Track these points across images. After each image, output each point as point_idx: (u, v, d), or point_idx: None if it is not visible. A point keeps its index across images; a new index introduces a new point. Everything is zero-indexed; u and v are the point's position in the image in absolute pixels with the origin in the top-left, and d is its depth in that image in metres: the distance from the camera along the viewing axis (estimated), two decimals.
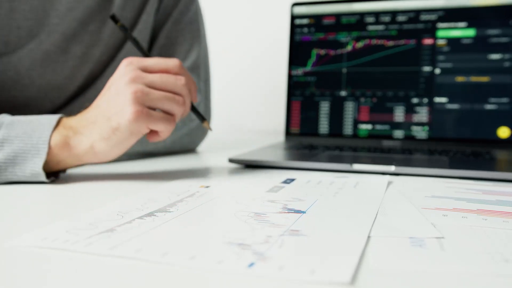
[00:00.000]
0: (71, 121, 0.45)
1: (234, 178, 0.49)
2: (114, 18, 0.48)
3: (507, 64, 0.74)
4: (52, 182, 0.45)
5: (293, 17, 0.86)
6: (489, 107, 0.75)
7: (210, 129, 0.51)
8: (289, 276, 0.22)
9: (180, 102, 0.45)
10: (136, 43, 0.49)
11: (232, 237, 0.27)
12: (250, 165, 0.58)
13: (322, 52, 0.84)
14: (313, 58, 0.84)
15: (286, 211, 0.34)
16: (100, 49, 0.62)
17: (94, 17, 0.61)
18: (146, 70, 0.45)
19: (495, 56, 0.75)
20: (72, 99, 0.64)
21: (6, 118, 0.45)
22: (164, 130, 0.45)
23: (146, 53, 0.50)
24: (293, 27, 0.86)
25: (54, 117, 0.45)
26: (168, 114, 0.45)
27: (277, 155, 0.63)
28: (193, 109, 0.50)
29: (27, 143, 0.43)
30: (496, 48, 0.75)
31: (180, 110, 0.45)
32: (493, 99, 0.74)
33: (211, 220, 0.32)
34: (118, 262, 0.24)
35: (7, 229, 0.30)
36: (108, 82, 0.46)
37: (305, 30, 0.85)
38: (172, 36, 0.70)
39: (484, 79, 0.75)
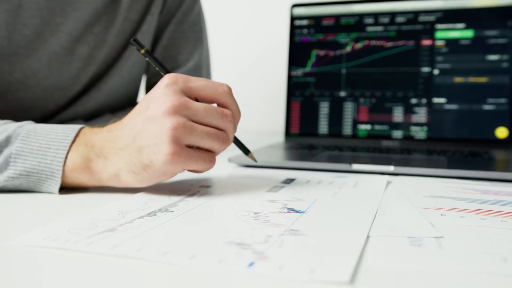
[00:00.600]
0: (94, 138, 0.40)
1: (234, 178, 0.49)
2: (137, 42, 0.43)
3: (505, 64, 0.75)
4: (67, 192, 0.41)
5: (293, 18, 0.87)
6: (487, 107, 0.75)
7: (255, 160, 0.46)
8: (289, 275, 0.22)
9: (224, 140, 0.39)
10: (159, 63, 0.44)
11: (232, 236, 0.28)
12: (250, 165, 0.58)
13: (322, 53, 0.84)
14: (313, 59, 0.85)
15: (286, 211, 0.34)
16: (105, 50, 0.63)
17: (100, 19, 0.61)
18: (190, 93, 0.38)
19: (493, 57, 0.75)
20: (76, 99, 0.64)
21: (24, 128, 0.40)
22: (202, 170, 0.40)
23: (168, 71, 0.44)
24: (293, 28, 0.86)
25: (73, 131, 0.40)
26: (208, 151, 0.39)
27: (277, 155, 0.63)
28: (237, 140, 0.45)
29: (41, 162, 0.39)
30: (494, 49, 0.75)
31: (222, 148, 0.39)
32: (491, 100, 0.75)
33: (211, 220, 0.32)
34: (118, 261, 0.24)
35: (8, 228, 0.31)
36: (146, 99, 0.39)
37: (305, 31, 0.86)
38: (175, 37, 0.70)
39: (482, 79, 0.75)
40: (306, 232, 0.29)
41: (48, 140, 0.39)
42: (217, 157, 0.67)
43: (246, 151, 0.45)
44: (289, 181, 0.47)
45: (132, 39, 0.42)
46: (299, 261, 0.24)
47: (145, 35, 0.67)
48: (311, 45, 0.85)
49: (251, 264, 0.23)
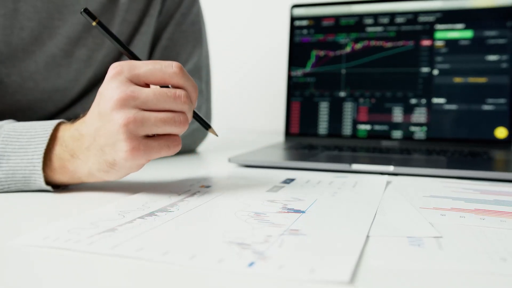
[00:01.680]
0: (66, 136, 0.40)
1: (234, 178, 0.49)
2: (88, 13, 0.40)
3: (504, 65, 0.75)
4: (62, 191, 0.42)
5: (293, 19, 0.87)
6: (486, 107, 0.75)
7: (216, 135, 0.46)
8: (289, 275, 0.22)
9: (181, 122, 0.37)
10: (118, 41, 0.41)
11: (232, 236, 0.28)
12: (250, 165, 0.58)
13: (322, 53, 0.84)
14: (313, 59, 0.85)
15: (286, 210, 0.34)
16: (103, 52, 0.63)
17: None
18: (138, 80, 0.37)
19: (492, 57, 0.75)
20: (75, 101, 0.64)
21: (5, 128, 0.41)
22: (168, 154, 0.39)
23: (131, 53, 0.42)
24: (293, 28, 0.87)
25: (50, 126, 0.40)
26: (169, 135, 0.39)
27: (277, 155, 0.63)
28: (197, 116, 0.43)
29: (23, 159, 0.39)
30: (494, 49, 0.75)
31: (182, 130, 0.38)
32: (490, 100, 0.75)
33: (211, 220, 0.33)
34: (119, 261, 0.24)
35: (9, 228, 0.31)
36: (98, 93, 0.39)
37: (305, 31, 0.86)
38: (174, 38, 0.70)
39: (482, 80, 0.75)
40: (306, 232, 0.29)
41: (28, 138, 0.40)
42: (217, 157, 0.67)
43: (206, 126, 0.44)
44: (289, 181, 0.47)
45: (82, 10, 0.40)
46: (299, 261, 0.24)
47: (144, 37, 0.67)
48: (311, 46, 0.85)
49: (251, 264, 0.23)
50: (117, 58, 0.65)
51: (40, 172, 0.39)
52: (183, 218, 0.32)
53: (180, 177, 0.49)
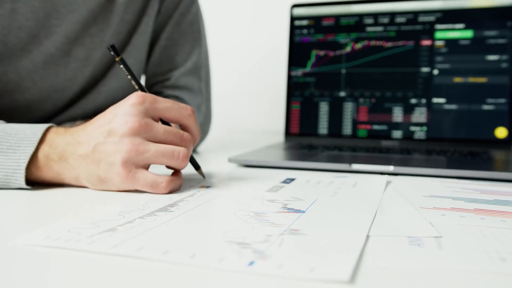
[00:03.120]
0: (58, 139, 0.41)
1: (234, 178, 0.49)
2: (114, 49, 0.44)
3: (504, 65, 0.75)
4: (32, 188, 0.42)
5: (293, 19, 0.87)
6: (486, 107, 0.75)
7: (204, 177, 0.48)
8: (289, 274, 0.22)
9: (179, 157, 0.41)
10: (133, 76, 0.45)
11: (233, 236, 0.28)
12: (250, 165, 0.58)
13: (322, 53, 0.84)
14: (313, 59, 0.85)
15: (286, 210, 0.34)
16: (101, 51, 0.63)
17: (96, 20, 0.61)
18: (156, 113, 0.41)
19: (492, 57, 0.75)
20: (74, 101, 0.64)
21: None
22: (152, 191, 0.40)
23: (140, 85, 0.45)
24: (293, 28, 0.87)
25: (40, 129, 0.42)
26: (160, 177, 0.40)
27: (277, 155, 0.63)
28: (191, 158, 0.46)
29: (10, 159, 0.40)
30: (494, 49, 0.75)
31: (178, 164, 0.41)
32: (490, 100, 0.75)
33: (211, 219, 0.33)
34: (119, 260, 0.24)
35: (9, 228, 0.31)
36: (111, 111, 0.41)
37: (305, 31, 0.86)
38: (173, 38, 0.70)
39: (482, 80, 0.76)
40: (306, 231, 0.29)
41: (17, 140, 0.41)
42: (217, 157, 0.67)
43: (197, 166, 0.47)
44: (289, 181, 0.47)
45: (109, 46, 0.44)
46: (299, 260, 0.24)
47: (142, 36, 0.67)
48: (311, 45, 0.85)
49: (251, 263, 0.23)
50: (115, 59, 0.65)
51: (23, 171, 0.40)
52: (183, 218, 0.32)
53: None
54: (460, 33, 0.77)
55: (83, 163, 0.40)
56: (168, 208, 0.35)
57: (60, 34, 0.58)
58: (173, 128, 0.42)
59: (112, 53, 0.44)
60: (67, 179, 0.42)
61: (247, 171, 0.54)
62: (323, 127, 0.83)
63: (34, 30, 0.56)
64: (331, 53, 0.84)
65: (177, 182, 0.41)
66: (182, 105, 0.42)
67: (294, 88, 0.86)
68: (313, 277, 0.22)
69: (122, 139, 0.39)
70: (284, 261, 0.23)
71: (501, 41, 0.75)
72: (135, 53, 0.67)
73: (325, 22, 0.85)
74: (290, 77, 0.86)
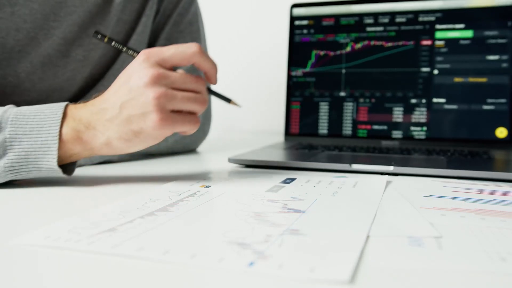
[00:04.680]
0: (80, 112, 0.43)
1: (234, 178, 0.49)
2: (99, 34, 0.46)
3: (504, 65, 0.75)
4: (69, 175, 0.44)
5: (293, 19, 0.87)
6: (486, 107, 0.75)
7: (239, 106, 0.51)
8: (289, 274, 0.22)
9: (202, 101, 0.44)
10: (127, 47, 0.47)
11: (233, 236, 0.28)
12: (250, 165, 0.58)
13: (322, 53, 0.84)
14: (313, 59, 0.85)
15: (286, 210, 0.34)
16: (100, 52, 0.63)
17: (94, 21, 0.61)
18: (165, 62, 0.42)
19: (492, 57, 0.75)
20: (72, 101, 0.64)
21: (10, 111, 0.42)
22: (189, 131, 0.44)
23: (135, 50, 0.48)
24: (293, 28, 0.87)
25: (59, 108, 0.42)
26: (190, 113, 0.44)
27: (277, 155, 0.63)
28: (214, 93, 0.49)
29: (37, 141, 0.41)
30: (494, 49, 0.75)
31: (202, 109, 0.44)
32: (490, 100, 0.75)
33: (211, 220, 0.33)
34: (119, 260, 0.24)
35: (10, 228, 0.31)
36: (124, 74, 0.43)
37: (305, 31, 0.86)
38: (172, 38, 0.70)
39: (482, 79, 0.76)
40: (306, 231, 0.29)
41: (39, 121, 0.42)
42: (217, 157, 0.67)
43: (226, 99, 0.50)
44: (289, 181, 0.47)
45: (94, 32, 0.46)
46: (299, 260, 0.24)
47: (141, 37, 0.67)
48: (311, 45, 0.85)
49: (251, 264, 0.23)
50: (114, 58, 0.65)
51: (55, 152, 0.41)
52: (183, 218, 0.32)
53: (180, 177, 0.49)
54: (460, 33, 0.77)
55: (112, 125, 0.41)
56: (168, 208, 0.35)
57: (58, 36, 0.58)
58: (188, 73, 0.44)
59: (99, 36, 0.46)
60: (97, 146, 0.42)
61: (247, 171, 0.54)
62: (323, 127, 0.83)
63: (32, 32, 0.56)
64: (331, 53, 0.84)
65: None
66: (186, 44, 0.44)
67: (294, 88, 0.86)
68: (313, 277, 0.22)
69: (146, 90, 0.40)
70: (284, 261, 0.23)
71: (501, 41, 0.75)
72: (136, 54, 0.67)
73: (325, 22, 0.85)
74: (290, 77, 0.86)
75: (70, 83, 0.62)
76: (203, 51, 0.44)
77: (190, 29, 0.72)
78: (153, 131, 0.41)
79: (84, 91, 0.64)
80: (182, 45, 0.43)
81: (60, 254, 0.25)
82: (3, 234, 0.29)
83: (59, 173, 0.42)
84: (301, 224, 0.30)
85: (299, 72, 0.85)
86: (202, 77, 0.45)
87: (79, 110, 0.43)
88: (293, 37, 0.86)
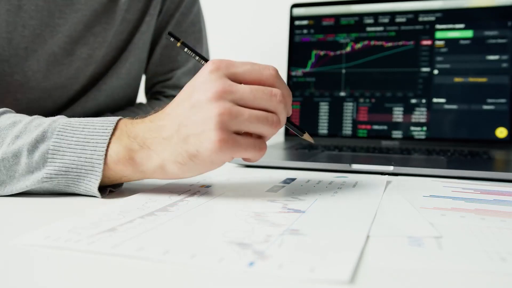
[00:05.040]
0: (136, 128, 0.38)
1: (234, 178, 0.49)
2: (172, 35, 0.42)
3: (504, 65, 0.75)
4: (108, 195, 0.39)
5: (293, 19, 0.87)
6: (486, 107, 0.75)
7: (312, 141, 0.45)
8: (289, 274, 0.22)
9: (274, 123, 0.36)
10: (195, 52, 0.43)
11: (233, 236, 0.28)
12: (250, 165, 0.58)
13: (322, 53, 0.84)
14: (313, 59, 0.85)
15: (286, 210, 0.34)
16: (104, 50, 0.63)
17: (99, 19, 0.61)
18: (235, 78, 0.37)
19: (492, 57, 0.75)
20: (75, 99, 0.64)
21: (59, 122, 0.39)
22: (253, 158, 0.38)
23: (205, 58, 0.43)
24: (293, 28, 0.87)
25: (111, 123, 0.38)
26: (258, 137, 0.38)
27: (277, 155, 0.63)
28: (289, 122, 0.42)
29: (80, 157, 0.37)
30: (494, 49, 0.75)
31: (272, 132, 0.37)
32: (490, 100, 0.75)
33: (211, 220, 0.33)
34: (119, 260, 0.24)
35: (9, 228, 0.31)
36: (188, 86, 0.38)
37: (305, 31, 0.86)
38: None
39: (482, 79, 0.76)
40: (306, 231, 0.29)
41: (86, 134, 0.38)
42: None
43: (301, 131, 0.43)
44: (289, 181, 0.47)
45: (167, 33, 0.41)
46: (299, 260, 0.24)
47: (144, 36, 0.67)
48: (311, 45, 0.85)
49: (251, 264, 0.23)
50: (117, 57, 0.65)
51: (99, 173, 0.37)
52: (183, 218, 0.32)
53: None
54: (460, 33, 0.77)
55: (169, 145, 0.36)
56: (168, 208, 0.35)
57: (64, 34, 0.58)
58: (260, 86, 0.37)
59: (172, 39, 0.41)
60: (150, 169, 0.37)
61: (247, 171, 0.54)
62: (323, 127, 0.83)
63: (38, 29, 0.56)
64: (331, 53, 0.84)
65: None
66: (263, 65, 0.38)
67: (294, 88, 0.86)
68: (313, 278, 0.22)
69: (209, 105, 0.35)
70: (284, 262, 0.23)
71: (501, 41, 0.75)
72: (137, 52, 0.67)
73: (325, 22, 0.85)
74: (290, 77, 0.86)
75: (74, 81, 0.62)
76: (280, 76, 0.38)
77: (193, 29, 0.72)
78: (211, 154, 0.35)
79: (86, 89, 0.64)
80: (258, 64, 0.38)
81: (60, 254, 0.25)
82: (3, 234, 0.29)
83: (97, 195, 0.38)
84: (301, 224, 0.30)
85: (299, 72, 0.85)
86: (279, 92, 0.37)
87: (135, 126, 0.38)
88: (293, 37, 0.86)
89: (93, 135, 0.37)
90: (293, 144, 0.78)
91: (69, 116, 0.63)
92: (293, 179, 0.48)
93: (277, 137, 0.94)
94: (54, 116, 0.62)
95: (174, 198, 0.38)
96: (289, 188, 0.43)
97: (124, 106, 0.70)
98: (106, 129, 0.38)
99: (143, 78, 0.76)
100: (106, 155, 0.37)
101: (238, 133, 0.36)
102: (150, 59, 0.72)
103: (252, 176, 0.50)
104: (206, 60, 0.41)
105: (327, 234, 0.28)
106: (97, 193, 0.37)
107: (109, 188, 0.40)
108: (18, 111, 0.59)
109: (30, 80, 0.58)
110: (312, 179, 0.48)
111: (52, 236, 0.27)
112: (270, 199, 0.38)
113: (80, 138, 0.37)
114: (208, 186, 0.44)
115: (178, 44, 0.42)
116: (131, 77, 0.69)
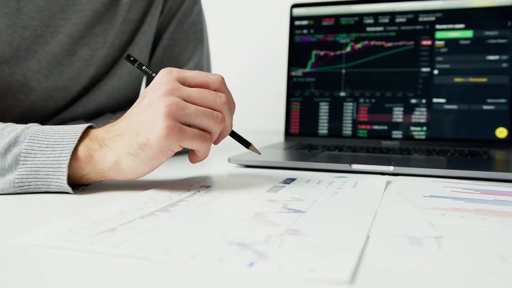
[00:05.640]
0: (98, 132, 0.41)
1: (234, 178, 0.49)
2: (130, 58, 0.47)
3: (504, 65, 0.75)
4: (79, 192, 0.41)
5: (293, 19, 0.87)
6: (486, 107, 0.75)
7: (259, 153, 0.48)
8: (289, 274, 0.22)
9: (219, 119, 0.40)
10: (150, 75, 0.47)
11: (233, 236, 0.28)
12: (250, 165, 0.58)
13: (322, 53, 0.84)
14: (313, 59, 0.85)
15: (286, 210, 0.34)
16: (105, 51, 0.63)
17: (100, 20, 0.61)
18: (185, 82, 0.41)
19: (492, 57, 0.75)
20: (76, 99, 0.64)
21: (32, 129, 0.41)
22: (200, 149, 0.41)
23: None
24: (293, 28, 0.87)
25: (80, 128, 0.41)
26: (205, 132, 0.40)
27: (277, 155, 0.63)
28: (234, 134, 0.46)
29: (49, 157, 0.39)
30: (494, 49, 0.75)
31: (218, 128, 0.40)
32: (490, 100, 0.75)
33: (211, 220, 0.33)
34: (119, 261, 0.24)
35: (9, 228, 0.31)
36: (143, 92, 0.42)
37: (305, 31, 0.86)
38: (176, 38, 0.71)
39: (482, 79, 0.76)
40: (306, 232, 0.29)
41: (57, 138, 0.40)
42: (217, 157, 0.67)
43: (246, 144, 0.46)
44: (289, 181, 0.47)
45: (126, 55, 0.46)
46: (299, 260, 0.24)
47: (145, 36, 0.67)
48: (311, 45, 0.85)
49: (251, 264, 0.23)
50: (119, 57, 0.65)
51: (65, 170, 0.39)
52: (183, 218, 0.32)
53: (180, 177, 0.49)
54: (460, 33, 0.77)
55: (122, 140, 0.39)
56: (168, 208, 0.35)
57: (65, 34, 0.58)
58: (206, 89, 0.41)
59: (131, 59, 0.47)
60: (106, 167, 0.40)
61: (247, 171, 0.54)
62: (323, 127, 0.83)
63: (39, 30, 0.56)
64: (331, 53, 0.84)
65: (211, 144, 0.41)
66: (210, 73, 0.42)
67: (294, 88, 0.86)
68: (313, 278, 0.22)
69: (159, 100, 0.38)
70: (284, 262, 0.23)
71: (501, 41, 0.75)
72: (138, 53, 0.67)
73: (325, 22, 0.85)
74: (290, 77, 0.86)
75: (75, 82, 0.62)
76: (225, 84, 0.42)
77: (194, 29, 0.72)
78: (158, 141, 0.38)
79: (87, 90, 0.64)
80: (205, 72, 0.42)
81: (60, 254, 0.25)
82: (3, 234, 0.29)
83: (69, 191, 0.40)
84: (301, 224, 0.30)
85: (299, 72, 0.85)
86: (224, 95, 0.41)
87: (98, 130, 0.42)
88: (293, 37, 0.87)
89: (63, 139, 0.40)
90: (293, 144, 0.78)
91: (70, 116, 0.64)
92: (293, 179, 0.48)
93: (277, 137, 0.94)
94: (55, 117, 0.62)
95: (174, 198, 0.38)
96: (289, 188, 0.43)
97: (125, 107, 0.70)
98: (75, 133, 0.41)
99: (144, 78, 0.76)
100: (72, 155, 0.39)
101: (188, 125, 0.39)
102: (152, 59, 0.72)
103: (252, 176, 0.50)
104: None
105: (327, 234, 0.28)
106: (68, 188, 0.39)
107: (82, 187, 0.42)
108: (21, 112, 0.60)
109: (30, 80, 0.58)
110: (312, 179, 0.48)
111: (52, 236, 0.27)
112: (270, 199, 0.38)
113: (50, 142, 0.40)
114: (208, 186, 0.44)
115: (136, 65, 0.47)
116: (132, 78, 0.69)
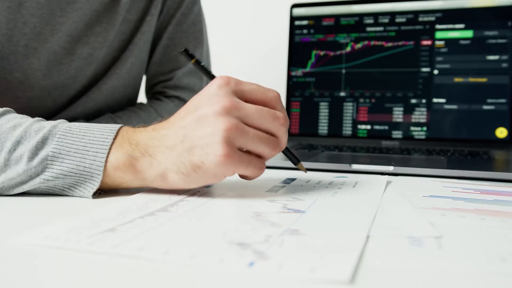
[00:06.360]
0: (138, 136, 0.38)
1: (234, 178, 0.49)
2: (187, 53, 0.43)
3: (504, 65, 0.75)
4: (100, 195, 0.40)
5: (293, 19, 0.87)
6: (486, 107, 0.75)
7: (305, 171, 0.47)
8: (289, 275, 0.22)
9: (275, 145, 0.38)
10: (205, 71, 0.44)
11: (233, 236, 0.28)
12: None
13: (322, 53, 0.84)
14: (313, 59, 0.85)
15: (286, 210, 0.34)
16: (104, 50, 0.63)
17: (100, 19, 0.61)
18: (242, 96, 0.38)
19: (492, 57, 0.75)
20: (75, 99, 0.64)
21: (60, 126, 0.39)
22: (251, 175, 0.39)
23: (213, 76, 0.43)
24: (293, 28, 0.87)
25: (111, 131, 0.38)
26: (258, 157, 0.39)
27: (277, 155, 0.63)
28: (287, 149, 0.44)
29: (79, 165, 0.37)
30: (494, 49, 0.75)
31: (272, 154, 0.39)
32: (490, 100, 0.75)
33: (211, 220, 0.33)
34: (119, 260, 0.24)
35: (9, 228, 0.31)
36: (196, 98, 0.38)
37: (305, 31, 0.86)
38: (175, 38, 0.71)
39: (482, 79, 0.76)
40: (306, 232, 0.29)
41: (86, 142, 0.38)
42: None
43: (296, 160, 0.45)
44: (289, 181, 0.47)
45: (182, 50, 0.43)
46: (299, 260, 0.24)
47: (145, 36, 0.67)
48: (311, 45, 0.85)
49: (251, 264, 0.23)
50: (118, 56, 0.65)
51: (98, 182, 0.37)
52: (183, 218, 0.32)
53: None
54: (460, 33, 0.77)
55: (172, 154, 0.36)
56: (168, 208, 0.35)
57: (64, 33, 0.58)
58: (265, 107, 0.38)
59: (189, 53, 0.43)
60: (150, 177, 0.37)
61: None
62: (323, 127, 0.83)
63: (39, 27, 0.56)
64: (331, 53, 0.84)
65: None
66: (267, 88, 0.40)
67: (294, 88, 0.86)
68: (313, 278, 0.22)
69: (216, 120, 0.35)
70: (284, 262, 0.23)
71: (501, 41, 0.75)
72: (137, 52, 0.67)
73: (325, 22, 0.85)
74: (290, 77, 0.86)
75: (73, 81, 0.62)
76: (281, 101, 0.40)
77: (193, 29, 0.72)
78: (215, 167, 0.35)
79: (86, 89, 0.64)
80: (263, 86, 0.40)
81: (60, 254, 0.25)
82: (3, 234, 0.29)
83: (89, 197, 0.38)
84: (301, 224, 0.30)
85: (299, 72, 0.85)
86: (282, 115, 0.38)
87: (137, 134, 0.38)
88: (293, 37, 0.87)
89: (92, 143, 0.38)
90: (293, 144, 0.78)
91: (70, 116, 0.64)
92: (293, 179, 0.48)
93: None
94: (54, 116, 0.62)
95: (174, 198, 0.38)
96: (289, 188, 0.43)
97: (124, 106, 0.70)
98: (106, 138, 0.38)
99: (144, 78, 0.76)
100: (105, 163, 0.37)
101: (240, 150, 0.37)
102: (151, 59, 0.72)
103: None
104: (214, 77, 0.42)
105: (327, 234, 0.28)
106: (90, 196, 0.38)
107: (99, 191, 0.40)
108: (18, 109, 0.59)
109: (29, 78, 0.58)
110: (312, 179, 0.48)
111: (52, 236, 0.27)
112: (270, 199, 0.38)
113: (79, 146, 0.38)
114: (208, 186, 0.44)
115: (192, 61, 0.43)
116: (131, 77, 0.69)
